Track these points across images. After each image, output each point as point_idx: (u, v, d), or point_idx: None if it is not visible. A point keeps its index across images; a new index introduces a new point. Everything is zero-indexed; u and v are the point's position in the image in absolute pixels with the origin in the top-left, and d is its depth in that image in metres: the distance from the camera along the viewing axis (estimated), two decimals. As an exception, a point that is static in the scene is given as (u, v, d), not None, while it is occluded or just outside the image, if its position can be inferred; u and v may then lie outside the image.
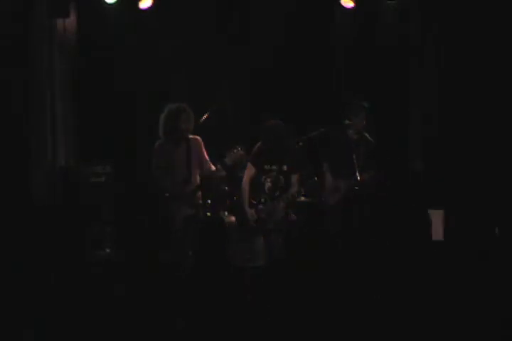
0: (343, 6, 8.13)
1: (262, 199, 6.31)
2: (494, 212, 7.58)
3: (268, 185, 6.33)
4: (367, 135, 6.82)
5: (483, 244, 7.26)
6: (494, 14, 7.71)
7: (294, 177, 6.31)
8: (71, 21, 8.01)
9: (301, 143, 6.88)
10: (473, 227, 7.52)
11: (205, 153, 6.28)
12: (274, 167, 6.31)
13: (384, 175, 6.80)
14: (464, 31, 7.85)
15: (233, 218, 7.34)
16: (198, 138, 6.30)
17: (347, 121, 6.82)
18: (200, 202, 6.31)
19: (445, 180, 7.83)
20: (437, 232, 7.59)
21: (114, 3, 8.03)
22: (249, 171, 6.36)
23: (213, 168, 6.22)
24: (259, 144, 6.41)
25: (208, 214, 7.44)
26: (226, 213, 7.50)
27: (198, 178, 6.27)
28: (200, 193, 6.30)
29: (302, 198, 7.58)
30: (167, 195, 6.18)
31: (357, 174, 6.59)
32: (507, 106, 7.77)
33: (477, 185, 7.70)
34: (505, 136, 7.74)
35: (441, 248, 7.39)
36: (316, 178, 6.51)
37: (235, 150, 6.10)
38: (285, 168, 6.30)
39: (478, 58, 7.81)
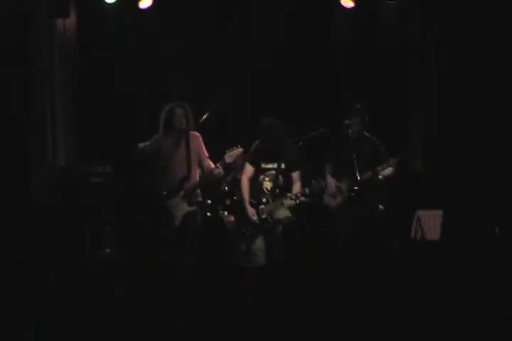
0: (343, 6, 8.13)
1: (264, 199, 6.31)
2: (494, 212, 7.57)
3: (266, 184, 6.33)
4: (367, 135, 6.79)
5: (483, 244, 7.25)
6: (494, 14, 7.71)
7: (295, 176, 6.30)
8: (71, 21, 8.02)
9: (301, 143, 6.88)
10: (473, 227, 7.52)
11: (204, 150, 6.30)
12: (272, 165, 6.30)
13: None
14: (464, 31, 7.85)
15: (233, 218, 7.34)
16: (197, 134, 6.32)
17: (347, 121, 6.80)
18: (200, 199, 6.33)
19: (445, 180, 7.83)
20: (437, 232, 7.59)
21: (114, 3, 8.03)
22: (247, 170, 6.35)
23: (213, 165, 6.23)
24: (256, 143, 6.40)
25: (208, 214, 7.45)
26: (226, 213, 7.50)
27: (198, 176, 6.29)
28: (199, 191, 6.32)
29: (302, 198, 7.58)
30: (165, 193, 6.20)
31: (357, 174, 6.57)
32: (507, 106, 7.76)
33: (477, 184, 7.69)
34: (506, 136, 7.74)
35: (441, 248, 7.39)
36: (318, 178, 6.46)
37: (235, 149, 6.12)
38: (283, 166, 6.29)
39: (478, 58, 7.81)
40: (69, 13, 7.85)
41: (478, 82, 7.82)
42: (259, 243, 6.26)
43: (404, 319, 5.43)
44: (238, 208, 6.51)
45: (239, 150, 6.14)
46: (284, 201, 6.24)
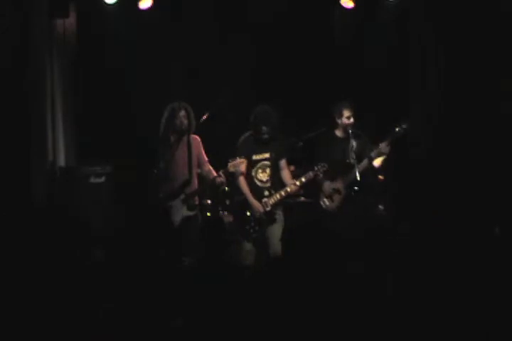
0: (343, 7, 8.14)
1: (266, 192, 6.31)
2: (494, 212, 7.57)
3: (260, 175, 6.33)
4: (351, 131, 6.75)
5: (483, 244, 7.25)
6: (494, 14, 7.72)
7: (283, 163, 6.34)
8: (71, 21, 8.02)
9: (301, 143, 6.88)
10: (473, 227, 7.52)
11: (204, 154, 6.29)
12: (262, 156, 6.31)
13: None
14: (464, 31, 7.86)
15: (233, 218, 7.34)
16: (197, 137, 6.32)
17: (340, 121, 6.82)
18: (197, 202, 6.34)
19: (445, 180, 7.83)
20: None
21: (114, 3, 8.03)
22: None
23: (213, 171, 6.22)
24: (245, 136, 6.39)
25: (208, 214, 7.45)
26: (226, 213, 7.50)
27: (197, 180, 6.29)
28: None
29: (302, 198, 7.59)
30: (161, 195, 6.21)
31: (357, 174, 6.56)
32: (507, 106, 7.77)
33: (477, 184, 7.70)
34: (506, 136, 7.75)
35: (441, 247, 7.39)
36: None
37: (238, 159, 6.12)
38: (273, 155, 6.31)
39: (479, 58, 7.82)
40: (69, 13, 7.86)
41: (479, 81, 7.82)
42: (259, 242, 6.27)
43: (405, 319, 5.43)
44: (238, 207, 6.49)
45: (242, 160, 6.15)
46: (288, 189, 6.24)
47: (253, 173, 6.33)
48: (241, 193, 6.41)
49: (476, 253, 7.05)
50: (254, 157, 6.33)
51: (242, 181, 6.34)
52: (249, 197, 6.28)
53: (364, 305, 5.75)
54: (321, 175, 6.38)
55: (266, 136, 6.28)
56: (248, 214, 6.34)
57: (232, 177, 6.54)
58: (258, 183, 6.33)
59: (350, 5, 8.09)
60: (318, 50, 8.33)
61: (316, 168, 6.30)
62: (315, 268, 6.62)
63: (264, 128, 6.25)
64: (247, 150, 6.32)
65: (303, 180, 6.29)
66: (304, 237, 7.18)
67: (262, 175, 6.33)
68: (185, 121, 6.20)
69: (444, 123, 8.02)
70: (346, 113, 6.72)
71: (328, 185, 6.73)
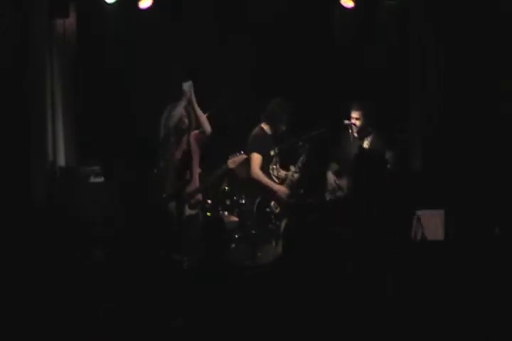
0: (343, 6, 8.14)
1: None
2: (494, 212, 7.57)
3: (277, 172, 6.32)
4: (370, 131, 6.83)
5: (483, 244, 7.25)
6: (494, 14, 7.72)
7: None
8: (71, 21, 8.02)
9: (301, 143, 6.89)
10: (473, 227, 7.52)
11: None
12: (276, 151, 6.31)
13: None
14: (464, 32, 7.86)
15: (233, 218, 7.34)
16: (197, 132, 6.30)
17: (346, 121, 6.87)
18: (200, 199, 6.35)
19: (445, 180, 7.83)
20: (437, 232, 7.59)
21: (114, 3, 8.03)
22: (257, 161, 6.28)
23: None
24: (258, 131, 6.38)
25: (208, 214, 7.45)
26: (226, 213, 7.50)
27: (198, 178, 6.30)
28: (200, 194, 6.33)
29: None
30: (164, 195, 6.21)
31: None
32: (507, 106, 7.77)
33: (477, 184, 7.70)
34: (506, 136, 7.75)
35: (442, 248, 7.38)
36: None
37: (238, 155, 6.13)
38: (277, 150, 6.32)
39: (479, 58, 7.82)
40: (69, 13, 7.86)
41: (479, 81, 7.82)
42: (266, 241, 6.27)
43: (405, 319, 5.43)
44: (258, 207, 6.45)
45: (242, 156, 6.16)
46: (292, 178, 6.24)
47: (270, 170, 6.33)
48: (251, 191, 6.37)
49: (476, 253, 7.05)
50: (272, 152, 6.33)
51: (260, 174, 6.28)
52: (273, 184, 6.24)
53: (364, 305, 5.74)
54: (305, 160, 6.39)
55: (286, 128, 6.30)
56: (268, 209, 6.32)
57: (231, 176, 6.57)
58: (275, 180, 6.33)
59: (350, 4, 8.09)
60: (318, 50, 8.33)
61: (299, 159, 6.32)
62: (315, 268, 6.61)
63: (288, 117, 6.27)
64: (264, 146, 6.31)
65: (300, 164, 6.30)
66: (304, 237, 7.17)
67: (278, 171, 6.33)
68: (185, 120, 6.21)
69: (444, 124, 8.02)
70: (353, 114, 6.81)
71: (332, 178, 6.78)
